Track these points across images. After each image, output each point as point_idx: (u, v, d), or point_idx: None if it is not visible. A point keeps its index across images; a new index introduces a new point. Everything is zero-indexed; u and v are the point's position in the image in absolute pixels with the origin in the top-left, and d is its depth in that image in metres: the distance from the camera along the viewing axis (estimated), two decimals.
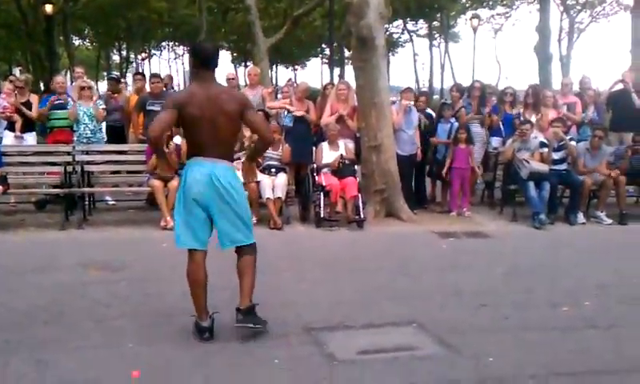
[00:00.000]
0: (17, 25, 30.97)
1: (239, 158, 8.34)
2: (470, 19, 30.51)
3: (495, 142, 9.99)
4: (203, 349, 4.18)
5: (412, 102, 9.45)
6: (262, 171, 8.45)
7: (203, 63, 4.31)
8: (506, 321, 4.84)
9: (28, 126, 9.39)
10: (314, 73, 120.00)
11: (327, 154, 8.71)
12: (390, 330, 4.61)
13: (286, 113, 9.72)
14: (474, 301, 5.28)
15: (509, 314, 4.96)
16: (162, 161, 4.71)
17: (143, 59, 53.80)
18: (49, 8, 23.71)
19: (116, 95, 10.45)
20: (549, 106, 10.00)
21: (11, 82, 9.78)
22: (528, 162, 8.72)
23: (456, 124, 9.50)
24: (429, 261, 6.78)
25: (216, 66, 4.38)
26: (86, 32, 46.42)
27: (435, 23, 44.75)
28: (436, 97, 32.40)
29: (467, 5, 39.23)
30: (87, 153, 8.83)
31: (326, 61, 47.22)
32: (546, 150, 8.93)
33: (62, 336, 4.37)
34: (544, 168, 8.78)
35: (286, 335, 4.39)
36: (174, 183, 8.02)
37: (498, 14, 43.41)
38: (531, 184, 8.65)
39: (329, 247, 7.42)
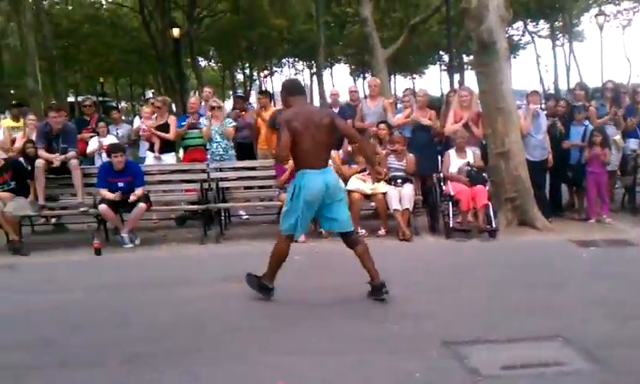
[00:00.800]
0: (147, 50, 32.97)
1: (365, 170, 8.46)
2: (595, 16, 29.03)
3: (633, 143, 9.46)
4: (343, 359, 4.24)
5: (539, 106, 9.13)
6: (388, 182, 8.47)
7: (294, 92, 5.71)
8: None
9: (167, 146, 9.93)
10: (432, 80, 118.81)
11: (455, 162, 8.58)
12: (533, 344, 4.46)
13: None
14: (620, 313, 5.00)
15: None
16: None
17: (265, 76, 55.40)
18: (175, 32, 25.04)
19: (243, 113, 10.86)
20: None
21: (152, 104, 10.35)
22: None
23: (590, 126, 9.07)
24: (568, 271, 6.48)
25: (303, 93, 5.87)
26: (210, 53, 48.56)
27: (557, 23, 42.92)
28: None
29: (591, 2, 37.36)
30: (220, 170, 9.24)
31: (445, 68, 46.59)
32: None
33: (208, 347, 4.59)
34: None
35: (425, 348, 4.36)
36: None
37: (625, 10, 41.07)
38: None
39: (461, 258, 7.28)
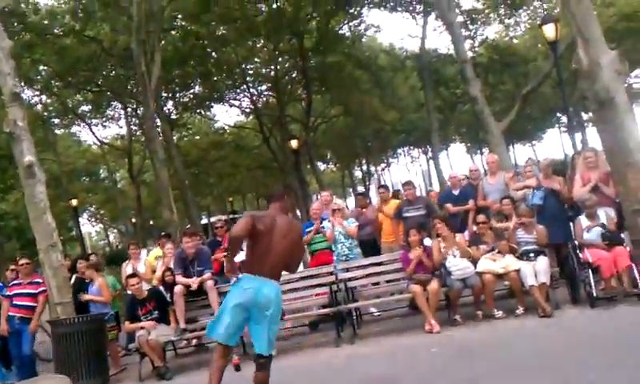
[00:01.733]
0: (269, 164, 34.54)
1: (493, 249, 8.23)
2: None
3: None
4: None
5: None
6: (520, 258, 8.17)
7: (270, 200, 5.83)
8: None
9: None
10: (553, 143, 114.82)
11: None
12: None
13: (533, 192, 9.35)
14: None
15: None
16: (229, 261, 5.83)
17: (383, 169, 56.15)
18: (294, 143, 26.13)
19: (364, 210, 11.00)
20: None
21: None
22: None
23: None
24: None
25: (279, 200, 5.78)
26: (328, 156, 50.08)
27: None
28: None
29: None
30: (347, 270, 9.31)
31: (564, 129, 45.11)
32: None
33: None
34: None
35: None
36: (433, 285, 8.09)
37: None
38: None
39: (610, 328, 6.78)
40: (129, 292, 10.24)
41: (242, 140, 38.21)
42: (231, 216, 40.42)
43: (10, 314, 9.48)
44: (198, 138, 39.36)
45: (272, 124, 32.40)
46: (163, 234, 12.20)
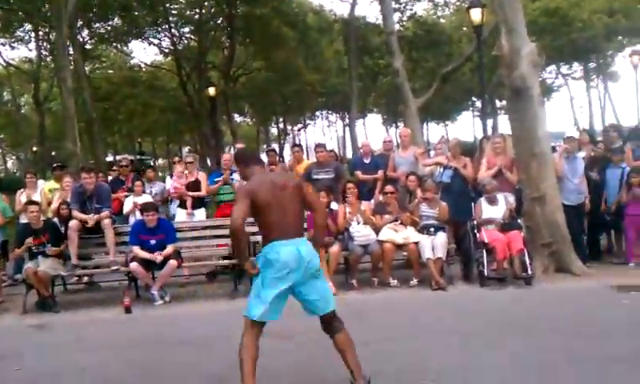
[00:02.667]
0: (184, 109, 33.72)
1: (397, 219, 8.38)
2: (630, 56, 28.64)
3: None
4: None
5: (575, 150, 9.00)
6: (421, 231, 8.37)
7: (250, 163, 4.88)
8: None
9: (198, 202, 10.01)
10: (465, 126, 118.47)
11: (487, 210, 8.44)
12: None
13: (442, 170, 9.56)
14: None
15: None
16: (242, 256, 4.89)
17: (299, 129, 56.13)
18: (212, 91, 25.58)
19: (273, 167, 10.90)
20: None
21: (183, 162, 10.47)
22: None
23: (627, 168, 8.85)
24: (609, 319, 6.22)
25: (259, 163, 4.98)
26: (245, 109, 49.45)
27: (591, 64, 42.66)
28: (599, 139, 30.48)
29: (624, 42, 37.04)
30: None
31: (477, 113, 46.50)
32: None
33: None
34: None
35: None
36: (334, 248, 8.16)
37: None
38: None
39: (495, 307, 7.07)
40: (22, 221, 9.79)
41: (158, 80, 37.02)
42: (139, 157, 39.36)
43: None
44: (111, 72, 37.80)
45: (191, 68, 31.56)
46: (56, 165, 11.69)
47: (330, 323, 4.57)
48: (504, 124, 32.43)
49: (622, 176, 8.86)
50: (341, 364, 4.63)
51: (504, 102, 32.75)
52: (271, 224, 4.54)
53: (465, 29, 32.47)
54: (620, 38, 36.49)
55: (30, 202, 8.92)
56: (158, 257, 8.17)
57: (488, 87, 26.89)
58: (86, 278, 9.65)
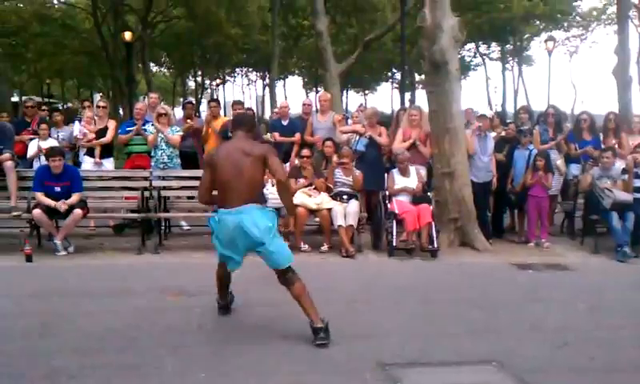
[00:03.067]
0: (98, 52, 32.33)
1: (311, 184, 8.40)
2: (545, 42, 29.72)
3: (574, 169, 9.65)
4: (277, 380, 4.13)
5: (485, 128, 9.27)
6: (334, 198, 8.43)
7: (235, 127, 5.21)
8: (592, 362, 4.57)
9: (106, 151, 9.66)
10: (384, 97, 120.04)
11: (399, 181, 8.59)
12: (467, 368, 4.44)
13: (357, 138, 9.63)
14: (555, 338, 5.02)
15: (594, 354, 4.68)
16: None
17: (218, 85, 55.12)
18: (128, 36, 24.61)
19: (190, 120, 10.64)
20: (635, 132, 9.62)
21: (99, 107, 10.05)
22: (611, 191, 8.36)
23: (535, 151, 9.20)
24: (505, 293, 6.53)
25: (243, 127, 5.10)
26: (162, 59, 48.00)
27: (508, 46, 44.05)
28: (509, 120, 31.64)
29: (541, 27, 38.42)
30: (164, 178, 9.03)
31: (397, 85, 47.18)
32: (626, 176, 8.54)
33: (137, 362, 4.42)
34: (628, 197, 8.39)
35: (358, 370, 4.28)
36: None
37: (573, 36, 42.58)
38: (614, 214, 8.28)
39: (401, 277, 7.27)
40: None
41: (71, 19, 35.21)
42: (47, 100, 37.55)
43: None
44: (21, 6, 35.63)
45: (107, 9, 30.20)
46: None
47: (284, 277, 4.91)
48: (422, 98, 33.05)
49: (528, 158, 9.20)
50: (237, 322, 4.64)
51: (423, 76, 33.32)
52: (221, 192, 4.89)
53: None
54: (537, 22, 37.83)
55: None
56: (62, 205, 7.83)
57: (409, 60, 27.31)
58: None
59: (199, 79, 52.88)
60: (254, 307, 5.79)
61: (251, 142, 5.07)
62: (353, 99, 56.22)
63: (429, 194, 8.67)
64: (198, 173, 9.33)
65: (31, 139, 9.57)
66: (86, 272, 7.15)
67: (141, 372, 4.24)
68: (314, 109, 11.86)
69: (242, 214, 4.74)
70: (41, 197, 7.92)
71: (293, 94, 78.97)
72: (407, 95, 26.96)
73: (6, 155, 8.29)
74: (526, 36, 41.82)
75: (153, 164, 9.35)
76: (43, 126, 9.65)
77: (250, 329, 5.17)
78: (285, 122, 10.53)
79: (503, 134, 10.04)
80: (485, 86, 60.88)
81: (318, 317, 4.80)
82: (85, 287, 6.42)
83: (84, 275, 6.99)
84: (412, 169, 8.70)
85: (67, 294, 6.13)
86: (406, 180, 8.58)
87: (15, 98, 35.48)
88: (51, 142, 9.27)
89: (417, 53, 27.12)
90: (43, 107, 10.98)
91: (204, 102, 41.54)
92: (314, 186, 8.52)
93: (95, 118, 9.77)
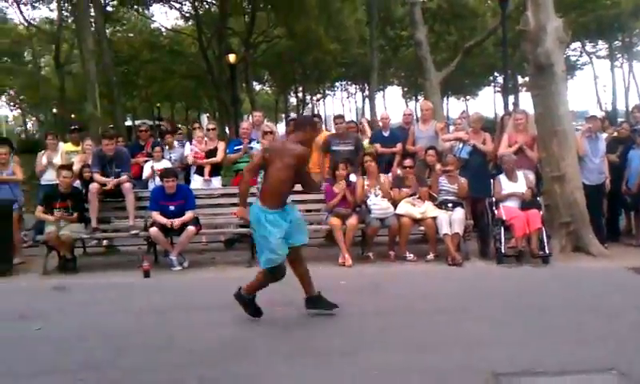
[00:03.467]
0: (204, 75, 33.67)
1: (415, 194, 8.37)
2: None
3: None
4: None
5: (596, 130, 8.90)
6: (439, 206, 8.35)
7: (295, 128, 6.02)
8: None
9: (215, 169, 10.06)
10: (486, 102, 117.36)
11: (506, 186, 8.39)
12: (586, 377, 4.27)
13: (461, 145, 9.50)
14: None
15: None
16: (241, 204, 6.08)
17: (318, 100, 55.95)
18: (232, 58, 25.44)
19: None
20: None
21: (209, 129, 10.46)
22: None
23: None
24: (623, 299, 6.21)
25: (300, 129, 5.84)
26: (265, 77, 49.30)
27: (617, 43, 41.97)
28: (620, 119, 30.16)
29: None
30: None
31: (499, 89, 46.05)
32: None
33: (254, 372, 4.55)
34: None
35: (471, 381, 4.21)
36: (352, 221, 8.17)
37: None
38: None
39: (511, 285, 7.07)
40: (42, 182, 9.90)
41: (178, 46, 36.98)
42: (157, 123, 39.46)
43: None
44: (131, 35, 37.78)
45: (211, 34, 31.44)
46: (73, 127, 11.72)
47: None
48: (526, 101, 32.05)
49: None
50: (344, 332, 4.68)
51: (526, 79, 32.36)
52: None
53: (489, 2, 32.03)
54: None
55: (64, 167, 8.96)
56: (175, 221, 8.21)
57: (511, 63, 26.64)
58: (105, 242, 9.76)
59: (300, 95, 53.88)
60: (356, 316, 5.82)
61: (293, 146, 5.66)
62: (454, 106, 55.44)
63: (538, 198, 8.41)
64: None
65: (146, 161, 10.11)
66: (200, 285, 7.45)
67: (258, 381, 4.37)
68: (414, 118, 11.80)
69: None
70: (157, 216, 8.35)
71: (392, 104, 78.66)
72: (511, 98, 26.27)
73: (124, 178, 8.82)
74: (636, 31, 39.65)
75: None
76: (157, 149, 10.18)
77: (355, 338, 5.20)
78: (386, 133, 10.54)
79: (615, 134, 9.60)
80: (593, 85, 58.09)
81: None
82: (200, 300, 6.69)
83: (198, 289, 7.28)
84: (519, 174, 8.47)
85: (183, 307, 6.41)
86: (514, 185, 8.37)
87: (128, 122, 37.51)
88: (164, 164, 9.74)
89: (519, 55, 26.39)
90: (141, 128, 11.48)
91: None
92: (417, 196, 8.48)
93: (206, 139, 10.18)
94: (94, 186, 8.65)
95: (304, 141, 5.72)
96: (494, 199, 8.41)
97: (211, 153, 9.98)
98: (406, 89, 54.29)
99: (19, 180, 9.40)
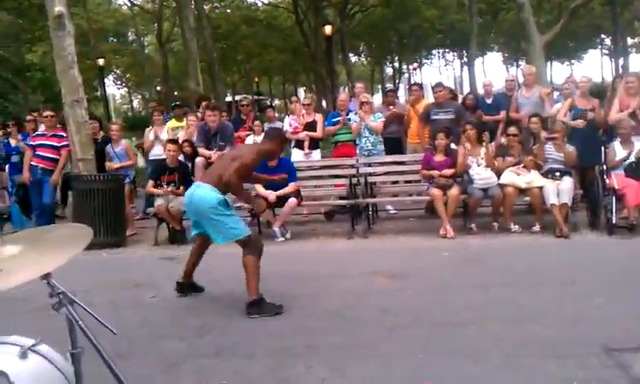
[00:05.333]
0: (300, 48, 33.90)
1: (519, 162, 8.11)
2: None
3: None
4: (492, 363, 4.06)
5: None
6: (545, 175, 8.04)
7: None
8: None
9: (314, 142, 10.14)
10: (592, 66, 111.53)
11: (620, 154, 7.96)
12: None
13: (569, 111, 9.08)
14: None
15: None
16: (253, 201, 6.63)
17: (414, 69, 55.09)
18: (328, 29, 25.43)
19: (392, 107, 10.79)
20: None
21: (305, 105, 10.53)
22: None
23: None
24: None
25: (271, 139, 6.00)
26: (360, 48, 49.02)
27: None
28: None
29: None
30: (369, 165, 9.27)
31: (606, 52, 43.65)
32: None
33: (354, 342, 4.57)
34: None
35: (583, 355, 4.06)
36: (454, 191, 8.03)
37: None
38: None
39: (623, 257, 6.71)
40: (151, 157, 10.35)
41: (275, 19, 37.35)
42: (256, 97, 40.19)
43: (32, 163, 9.63)
44: (229, 11, 38.51)
45: (307, 6, 31.52)
46: (175, 103, 12.10)
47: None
48: (636, 63, 30.27)
49: None
50: (449, 305, 4.61)
51: (636, 39, 30.50)
52: None
53: None
54: None
55: (171, 141, 9.33)
56: (270, 196, 8.30)
57: (620, 23, 25.11)
58: None
59: (396, 65, 53.24)
60: (461, 289, 5.73)
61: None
62: (557, 70, 53.01)
63: None
64: (403, 158, 9.56)
65: (247, 135, 10.33)
66: (302, 256, 7.58)
67: (358, 352, 4.39)
68: (517, 84, 11.39)
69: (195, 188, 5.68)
70: (259, 188, 8.51)
71: (492, 70, 76.13)
72: (620, 61, 24.82)
73: (228, 150, 9.05)
74: None
75: (358, 152, 9.64)
76: (257, 122, 10.39)
77: (460, 311, 5.12)
78: (489, 101, 10.27)
79: None
80: None
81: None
82: (302, 270, 6.79)
83: (301, 259, 7.41)
84: (635, 140, 8.01)
85: (287, 276, 6.52)
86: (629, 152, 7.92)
87: (229, 98, 38.42)
88: None
89: (628, 15, 24.83)
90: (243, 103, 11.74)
91: (402, 86, 41.73)
92: (522, 165, 8.20)
93: (303, 112, 10.27)
94: (199, 160, 8.96)
95: (270, 151, 6.04)
96: (604, 167, 8.01)
97: (309, 126, 10.06)
98: (506, 54, 52.45)
99: (132, 165, 10.00)
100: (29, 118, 11.50)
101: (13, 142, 10.99)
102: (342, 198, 9.20)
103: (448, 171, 8.19)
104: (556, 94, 10.95)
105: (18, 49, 31.39)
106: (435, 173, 8.21)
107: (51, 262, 2.35)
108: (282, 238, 8.41)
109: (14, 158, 10.89)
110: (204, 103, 10.75)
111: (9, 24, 29.08)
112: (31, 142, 9.90)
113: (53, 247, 2.50)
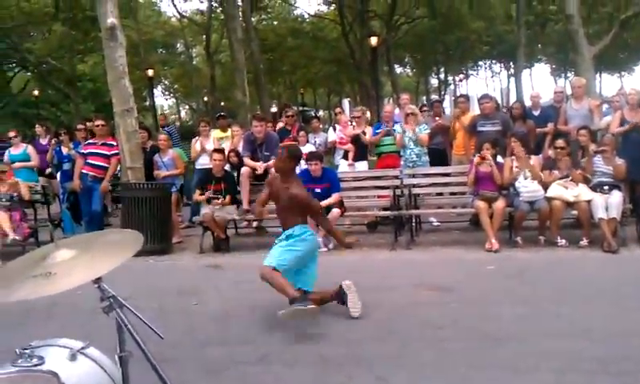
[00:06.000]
0: (345, 60, 34.00)
1: (567, 176, 7.97)
2: None
3: None
4: (536, 378, 4.00)
5: None
6: (594, 189, 7.89)
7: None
8: None
9: (360, 154, 10.15)
10: None
11: None
12: None
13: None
14: None
15: None
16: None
17: (460, 80, 54.61)
18: (374, 40, 25.40)
19: (438, 118, 10.75)
20: None
21: (355, 118, 10.57)
22: None
23: None
24: None
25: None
26: (406, 60, 48.89)
27: None
28: None
29: None
30: (413, 176, 9.24)
31: None
32: None
33: (398, 353, 4.56)
34: None
35: (635, 372, 3.96)
36: (499, 204, 7.94)
37: None
38: None
39: None
40: (197, 167, 10.52)
41: (321, 31, 37.58)
42: (301, 109, 40.41)
43: (82, 171, 9.90)
44: (276, 23, 38.91)
45: (353, 18, 31.62)
46: (219, 114, 12.25)
47: None
48: None
49: None
50: (494, 318, 4.54)
51: None
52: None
53: None
54: None
55: (216, 151, 9.48)
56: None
57: None
58: (255, 223, 10.20)
59: (442, 76, 52.88)
60: (506, 303, 5.66)
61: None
62: (607, 82, 51.90)
63: None
64: (447, 169, 9.50)
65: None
66: (345, 267, 7.56)
67: (400, 363, 4.38)
68: (565, 96, 11.21)
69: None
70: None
71: (539, 82, 74.97)
72: None
73: (274, 161, 9.14)
74: None
75: (402, 163, 9.62)
76: (302, 133, 10.46)
77: (505, 325, 5.06)
78: (536, 113, 10.12)
79: None
80: None
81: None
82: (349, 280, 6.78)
83: (344, 270, 7.38)
84: None
85: (329, 287, 6.50)
86: None
87: (274, 109, 38.75)
88: (309, 148, 9.98)
89: None
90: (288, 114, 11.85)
91: (447, 98, 41.44)
92: (570, 178, 8.06)
93: (353, 124, 10.31)
94: (245, 170, 9.07)
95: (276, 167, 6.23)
96: None
97: (356, 138, 10.09)
98: (554, 66, 51.61)
99: (180, 174, 10.19)
100: (80, 126, 11.83)
101: (65, 150, 11.30)
102: (385, 209, 9.18)
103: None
104: (605, 106, 10.73)
105: (70, 59, 32.35)
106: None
107: (103, 266, 2.42)
108: (325, 249, 8.42)
109: (66, 166, 11.18)
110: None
111: (62, 35, 30.01)
112: (82, 151, 10.17)
113: (105, 252, 2.58)
